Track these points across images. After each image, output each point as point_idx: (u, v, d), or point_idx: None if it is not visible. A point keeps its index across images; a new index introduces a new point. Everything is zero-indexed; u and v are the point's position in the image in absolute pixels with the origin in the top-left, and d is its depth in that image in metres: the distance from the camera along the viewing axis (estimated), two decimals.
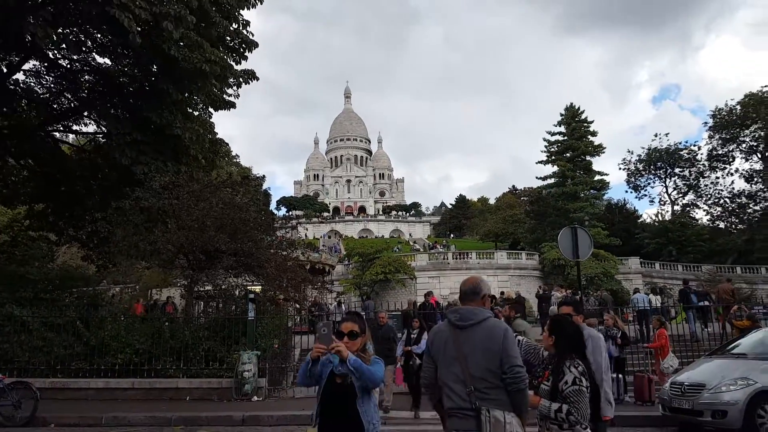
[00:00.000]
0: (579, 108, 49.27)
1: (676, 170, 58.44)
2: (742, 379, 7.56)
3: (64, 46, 13.95)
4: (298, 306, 15.84)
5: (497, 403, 3.04)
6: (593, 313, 13.45)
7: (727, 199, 55.47)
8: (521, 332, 5.47)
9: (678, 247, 48.91)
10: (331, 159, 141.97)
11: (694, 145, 58.14)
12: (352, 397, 3.18)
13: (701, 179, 56.97)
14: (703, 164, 56.18)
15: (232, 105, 15.94)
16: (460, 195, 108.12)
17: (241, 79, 15.32)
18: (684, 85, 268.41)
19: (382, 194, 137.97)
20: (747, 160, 53.29)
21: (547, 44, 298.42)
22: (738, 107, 51.26)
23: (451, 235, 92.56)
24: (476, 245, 63.99)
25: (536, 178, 51.11)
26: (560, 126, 49.14)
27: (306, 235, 70.45)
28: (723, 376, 7.81)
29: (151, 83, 14.32)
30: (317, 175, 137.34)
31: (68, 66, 15.15)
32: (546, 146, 49.37)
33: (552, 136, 49.27)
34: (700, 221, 56.68)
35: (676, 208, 59.01)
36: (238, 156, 54.25)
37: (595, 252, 34.23)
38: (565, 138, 48.42)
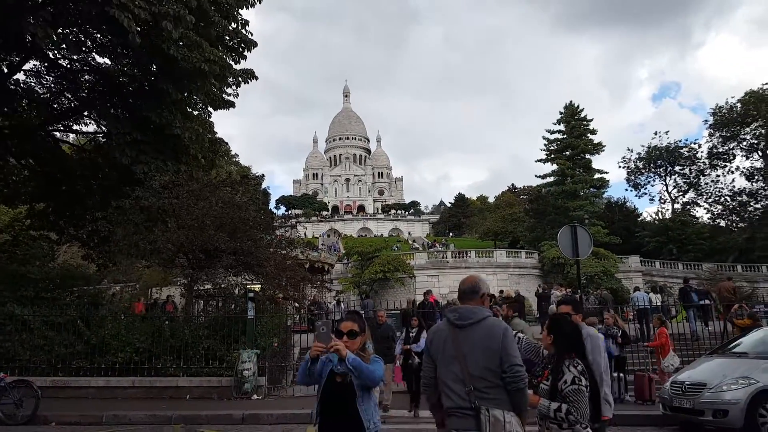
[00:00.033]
0: (578, 106, 49.24)
1: (677, 168, 58.31)
2: (743, 378, 7.53)
3: (64, 46, 13.96)
4: (297, 305, 15.86)
5: (497, 402, 3.03)
6: (593, 312, 13.44)
7: (727, 197, 55.41)
8: (520, 331, 5.47)
9: (678, 245, 48.85)
10: (330, 158, 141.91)
11: (695, 143, 58.19)
12: (351, 396, 3.18)
13: (702, 177, 56.86)
14: (703, 162, 56.06)
15: (232, 104, 15.96)
16: (459, 193, 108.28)
17: (240, 79, 15.32)
18: (684, 82, 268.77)
19: (381, 193, 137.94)
20: (748, 158, 53.23)
21: (546, 43, 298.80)
22: (738, 105, 51.13)
23: (450, 234, 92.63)
24: (475, 244, 64.04)
25: (536, 176, 51.13)
26: (560, 124, 49.09)
27: (305, 234, 70.56)
28: (724, 375, 7.77)
29: (150, 83, 14.33)
30: (316, 174, 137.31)
31: (68, 66, 15.16)
32: (545, 144, 49.34)
33: (551, 134, 49.25)
34: (700, 219, 56.65)
35: (676, 206, 58.91)
36: (238, 155, 54.27)
37: (595, 250, 34.25)
38: (565, 136, 48.38)
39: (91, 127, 16.58)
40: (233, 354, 11.37)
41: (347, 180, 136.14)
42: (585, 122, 48.80)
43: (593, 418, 3.48)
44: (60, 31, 13.03)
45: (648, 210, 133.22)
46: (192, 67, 12.94)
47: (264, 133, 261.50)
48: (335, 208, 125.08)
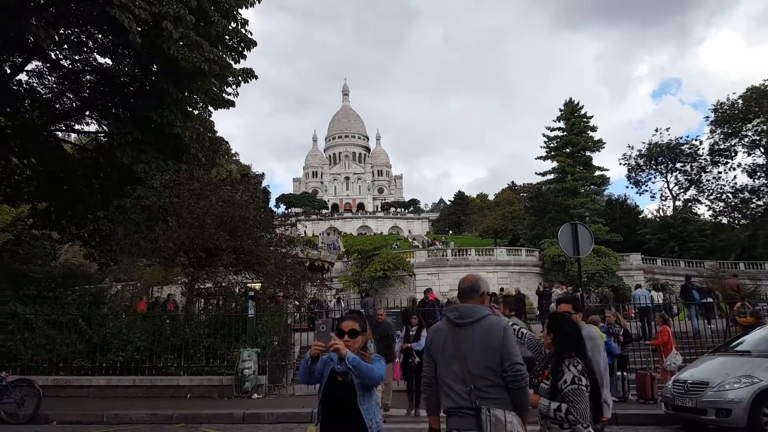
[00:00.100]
0: (578, 103, 49.18)
1: (678, 165, 57.99)
2: (746, 377, 7.47)
3: (65, 46, 14.00)
4: (297, 303, 15.87)
5: (497, 401, 3.02)
6: (595, 311, 13.41)
7: (729, 194, 55.12)
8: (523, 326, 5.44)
9: (680, 243, 48.70)
10: (329, 156, 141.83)
11: (696, 140, 57.79)
12: (352, 395, 3.17)
13: (703, 174, 56.51)
14: (704, 159, 55.69)
15: (232, 104, 15.99)
16: (459, 191, 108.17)
17: (240, 78, 15.35)
18: (684, 79, 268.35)
19: (380, 191, 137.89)
20: (749, 154, 52.79)
21: (546, 41, 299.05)
22: (740, 101, 50.81)
23: (450, 232, 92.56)
24: (475, 242, 64.00)
25: (536, 173, 51.14)
26: (559, 121, 49.05)
27: (305, 233, 70.46)
28: (727, 374, 7.70)
29: (151, 83, 14.35)
30: (316, 172, 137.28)
31: (70, 66, 15.20)
32: (545, 142, 49.31)
33: (551, 131, 49.22)
34: (702, 217, 56.35)
35: (677, 203, 58.67)
36: (238, 154, 54.18)
37: (596, 248, 34.17)
38: (565, 133, 48.33)
39: (93, 127, 16.68)
40: (234, 353, 11.37)
41: (347, 178, 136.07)
42: (585, 119, 48.75)
43: (595, 419, 3.47)
44: (62, 31, 13.07)
45: (649, 207, 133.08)
46: (192, 67, 12.96)
47: (264, 131, 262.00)
48: (335, 207, 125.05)
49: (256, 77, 15.62)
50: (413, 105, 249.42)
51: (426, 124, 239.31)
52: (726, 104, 52.00)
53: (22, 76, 14.88)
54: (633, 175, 59.68)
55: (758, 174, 51.82)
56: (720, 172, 55.16)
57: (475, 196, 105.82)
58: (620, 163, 72.26)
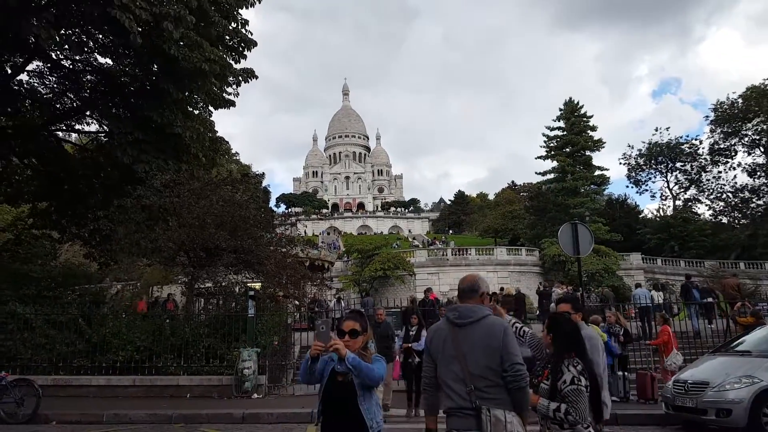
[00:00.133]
0: (578, 103, 49.18)
1: (678, 165, 58.04)
2: (746, 377, 7.46)
3: (66, 47, 14.01)
4: (297, 303, 15.87)
5: (498, 401, 3.01)
6: (595, 311, 13.39)
7: (729, 194, 55.16)
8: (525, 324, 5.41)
9: (680, 242, 48.69)
10: (329, 156, 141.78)
11: (696, 139, 57.89)
12: (353, 395, 3.16)
13: (703, 174, 56.55)
14: (704, 158, 55.75)
15: (232, 103, 15.99)
16: (459, 191, 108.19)
17: (240, 78, 15.36)
18: (684, 78, 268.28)
19: (380, 191, 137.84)
20: (750, 154, 52.80)
21: (546, 41, 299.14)
22: (740, 100, 50.82)
23: (450, 231, 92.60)
24: (475, 241, 64.00)
25: (536, 173, 51.16)
26: (559, 121, 49.05)
27: (305, 232, 70.54)
28: (727, 374, 7.69)
29: (151, 83, 14.35)
30: (316, 172, 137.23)
31: (70, 66, 15.20)
32: (545, 141, 49.30)
33: (551, 131, 49.21)
34: (702, 216, 56.32)
35: (677, 203, 58.73)
36: (238, 154, 54.26)
37: (596, 248, 34.17)
38: (565, 133, 48.32)
39: (93, 127, 16.68)
40: (233, 352, 11.37)
41: (347, 178, 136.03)
42: (585, 119, 48.74)
43: (596, 419, 3.46)
44: (62, 32, 13.08)
45: (649, 207, 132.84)
46: (192, 67, 12.97)
47: (264, 131, 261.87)
48: (335, 206, 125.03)
49: (257, 77, 15.64)
50: (413, 105, 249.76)
51: (426, 124, 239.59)
52: (726, 103, 52.06)
53: (23, 76, 14.93)
54: (633, 174, 59.77)
55: (758, 173, 51.83)
56: (720, 172, 55.29)
57: (475, 195, 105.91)
58: (620, 163, 72.45)
